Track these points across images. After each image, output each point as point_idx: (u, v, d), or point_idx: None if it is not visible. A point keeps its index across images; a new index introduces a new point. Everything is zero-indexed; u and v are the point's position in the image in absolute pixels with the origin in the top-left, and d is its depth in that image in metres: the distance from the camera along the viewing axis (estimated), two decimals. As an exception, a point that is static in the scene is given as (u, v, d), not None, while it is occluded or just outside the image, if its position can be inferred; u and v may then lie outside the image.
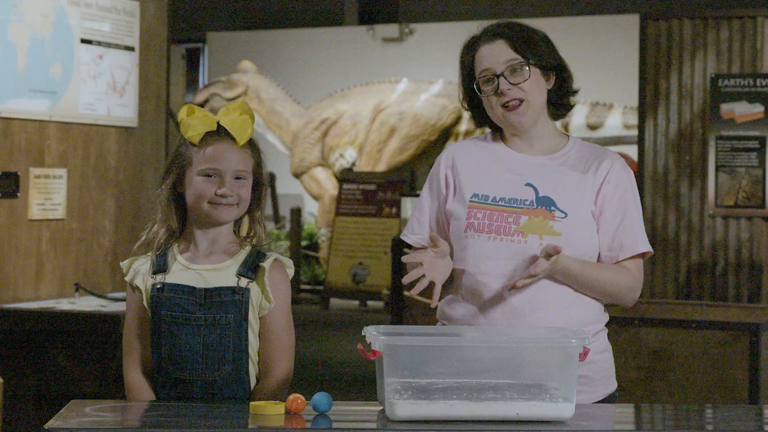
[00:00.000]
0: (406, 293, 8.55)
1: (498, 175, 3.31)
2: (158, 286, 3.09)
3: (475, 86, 3.31)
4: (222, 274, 3.11)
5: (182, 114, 3.12)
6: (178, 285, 3.09)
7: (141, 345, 3.14)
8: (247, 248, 3.15)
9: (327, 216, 14.80)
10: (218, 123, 3.11)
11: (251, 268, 3.11)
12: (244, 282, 3.10)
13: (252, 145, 3.16)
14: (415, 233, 3.42)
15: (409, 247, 3.47)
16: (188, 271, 3.11)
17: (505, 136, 3.38)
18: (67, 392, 5.01)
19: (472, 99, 3.37)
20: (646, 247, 3.31)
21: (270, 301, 3.10)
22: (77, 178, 5.91)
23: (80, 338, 5.26)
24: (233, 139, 3.10)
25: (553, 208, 3.24)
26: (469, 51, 3.33)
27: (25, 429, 5.27)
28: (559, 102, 3.35)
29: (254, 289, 3.10)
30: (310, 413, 2.84)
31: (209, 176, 3.09)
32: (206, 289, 3.08)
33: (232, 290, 3.09)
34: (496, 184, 3.30)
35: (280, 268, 3.14)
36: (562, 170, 3.30)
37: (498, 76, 3.26)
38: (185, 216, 3.16)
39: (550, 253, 3.13)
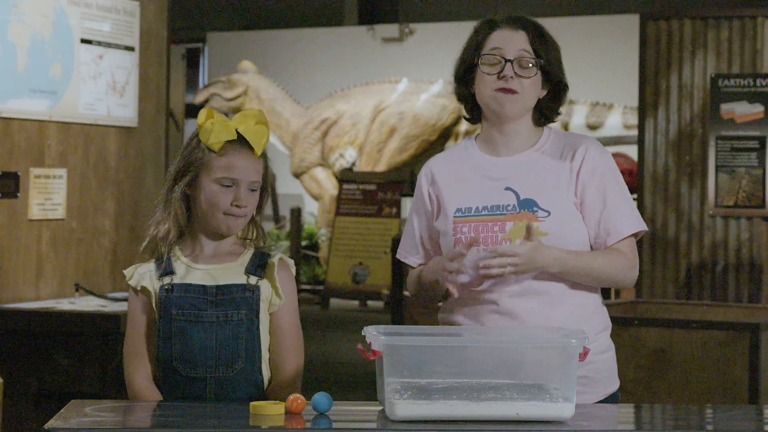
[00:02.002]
0: (406, 293, 8.54)
1: (477, 184, 3.31)
2: (167, 288, 3.09)
3: (476, 60, 3.30)
4: (230, 272, 3.12)
5: (201, 119, 3.11)
6: (189, 284, 3.10)
7: (148, 350, 3.12)
8: (251, 249, 3.16)
9: (327, 216, 14.80)
10: (237, 131, 3.11)
11: (259, 265, 3.12)
12: (253, 279, 3.11)
13: (263, 154, 3.16)
14: (412, 254, 3.45)
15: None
16: (196, 271, 3.12)
17: (481, 137, 3.38)
18: (67, 392, 5.01)
19: (465, 74, 3.36)
20: (635, 227, 3.29)
21: (281, 297, 3.12)
22: (77, 178, 5.91)
23: (80, 338, 5.26)
24: (251, 148, 3.10)
25: (535, 208, 3.25)
26: (486, 29, 3.33)
27: (25, 429, 5.27)
28: (547, 111, 3.35)
29: (264, 286, 3.12)
30: (310, 413, 2.84)
31: (225, 186, 3.09)
32: (217, 287, 3.09)
33: (243, 287, 3.10)
34: (477, 194, 3.30)
35: (285, 266, 3.17)
36: (539, 166, 3.30)
37: (507, 61, 3.26)
38: (188, 216, 3.16)
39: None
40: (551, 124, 3.42)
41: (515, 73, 3.26)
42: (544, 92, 3.33)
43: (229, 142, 3.09)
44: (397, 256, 3.48)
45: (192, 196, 3.13)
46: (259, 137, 3.10)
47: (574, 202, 3.27)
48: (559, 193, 3.26)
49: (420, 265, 3.44)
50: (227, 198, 3.08)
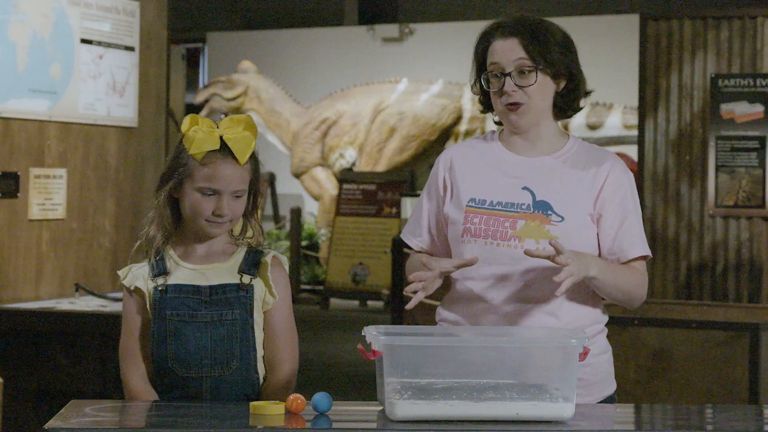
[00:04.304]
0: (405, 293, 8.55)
1: (495, 179, 3.30)
2: (160, 288, 3.09)
3: (483, 78, 3.30)
4: (223, 272, 3.12)
5: (185, 126, 3.09)
6: (182, 285, 3.09)
7: (143, 350, 3.12)
8: (244, 247, 3.16)
9: (327, 216, 14.80)
10: (221, 138, 3.09)
11: (252, 264, 3.12)
12: (247, 278, 3.10)
13: (252, 158, 3.13)
14: (415, 235, 3.43)
15: (409, 247, 3.48)
16: (189, 271, 3.11)
17: (504, 135, 3.38)
18: (67, 392, 5.01)
19: (482, 86, 3.36)
20: (644, 250, 3.28)
21: (274, 296, 3.12)
22: (77, 178, 5.91)
23: (80, 338, 5.26)
24: (235, 157, 3.08)
25: (549, 212, 3.23)
26: (484, 43, 3.31)
27: (25, 429, 5.27)
28: (565, 105, 3.33)
29: (258, 285, 3.11)
30: (310, 413, 2.84)
31: (207, 194, 3.08)
32: (211, 287, 3.09)
33: (237, 287, 3.10)
34: (494, 188, 3.28)
35: (279, 264, 3.16)
36: (560, 172, 3.29)
37: (505, 75, 3.25)
38: (179, 217, 3.15)
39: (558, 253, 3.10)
40: (577, 131, 3.41)
41: (516, 85, 3.25)
42: (563, 84, 3.30)
43: (213, 150, 3.07)
44: (401, 236, 3.48)
45: (179, 199, 3.12)
46: (243, 145, 3.07)
47: (590, 214, 3.25)
48: (577, 201, 3.24)
49: (420, 249, 3.43)
50: (209, 207, 3.07)
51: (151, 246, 3.13)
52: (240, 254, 3.14)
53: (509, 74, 3.24)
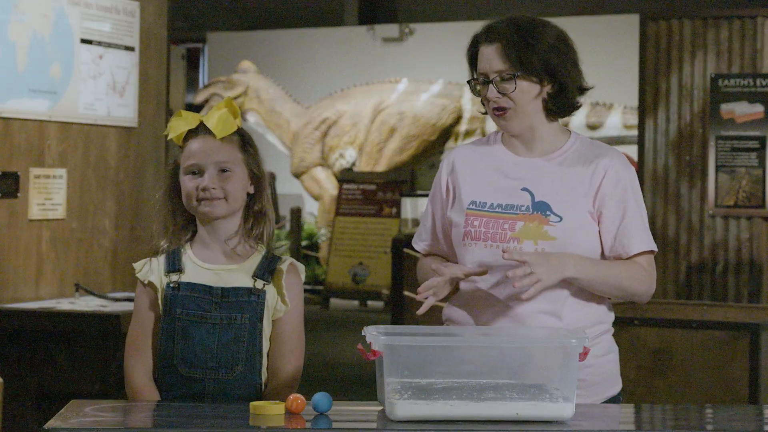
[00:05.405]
0: (406, 293, 8.56)
1: (495, 181, 3.30)
2: (173, 285, 3.09)
3: (471, 85, 3.32)
4: (238, 274, 3.11)
5: (170, 121, 3.13)
6: (195, 284, 3.09)
7: (149, 345, 3.12)
8: (262, 251, 3.15)
9: (327, 216, 14.80)
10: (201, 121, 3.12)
11: (268, 270, 3.11)
12: (260, 284, 3.10)
13: (241, 138, 3.14)
14: (422, 239, 3.47)
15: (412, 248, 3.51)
16: (204, 270, 3.11)
17: (506, 136, 3.38)
18: (67, 392, 5.00)
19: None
20: (647, 245, 3.27)
21: (286, 304, 3.11)
22: (77, 178, 5.91)
23: (80, 338, 5.26)
24: (212, 133, 3.09)
25: (548, 212, 3.23)
26: (472, 50, 3.33)
27: (25, 429, 5.27)
28: (555, 107, 3.32)
29: (270, 292, 3.10)
30: (310, 413, 2.84)
31: (194, 173, 3.08)
32: (223, 289, 3.09)
33: (249, 291, 3.09)
34: (493, 190, 3.29)
35: (295, 272, 3.15)
36: (560, 171, 3.28)
37: (488, 83, 3.26)
38: (194, 220, 3.15)
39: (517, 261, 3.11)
40: (577, 131, 3.41)
41: (498, 92, 3.25)
42: (548, 87, 3.28)
43: (193, 132, 3.10)
44: (412, 243, 3.50)
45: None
46: (218, 120, 3.07)
47: (590, 212, 3.25)
48: (575, 200, 3.24)
49: (428, 253, 3.44)
50: (194, 185, 3.07)
51: (177, 240, 3.13)
52: (257, 257, 3.13)
53: (491, 81, 3.25)
